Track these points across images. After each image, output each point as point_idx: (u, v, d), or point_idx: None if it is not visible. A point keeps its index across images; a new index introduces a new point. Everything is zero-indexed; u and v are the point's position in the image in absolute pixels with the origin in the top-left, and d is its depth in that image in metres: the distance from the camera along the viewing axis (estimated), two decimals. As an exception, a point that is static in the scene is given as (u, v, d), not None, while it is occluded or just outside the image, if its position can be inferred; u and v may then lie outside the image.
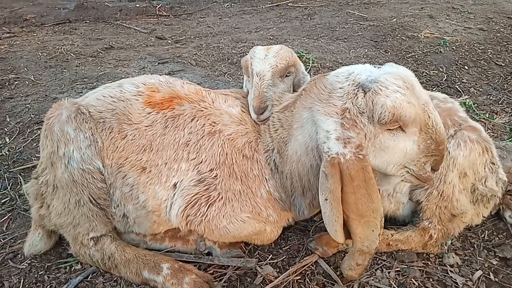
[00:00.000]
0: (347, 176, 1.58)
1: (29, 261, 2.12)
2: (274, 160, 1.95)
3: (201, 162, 1.91)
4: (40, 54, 4.89)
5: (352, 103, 1.63)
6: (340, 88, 1.67)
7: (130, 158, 1.93)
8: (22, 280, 2.01)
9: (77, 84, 4.04)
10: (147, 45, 5.44)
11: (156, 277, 1.92)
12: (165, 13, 7.39)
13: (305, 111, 1.78)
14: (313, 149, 1.75)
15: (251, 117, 2.03)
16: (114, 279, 2.01)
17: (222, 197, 1.89)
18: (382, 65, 1.75)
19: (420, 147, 1.69)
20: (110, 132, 1.94)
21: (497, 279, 1.97)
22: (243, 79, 2.37)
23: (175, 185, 1.91)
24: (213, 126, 1.96)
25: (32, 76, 4.24)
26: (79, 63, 4.63)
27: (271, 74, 1.99)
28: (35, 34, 5.93)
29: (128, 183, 1.93)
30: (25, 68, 4.45)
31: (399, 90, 1.57)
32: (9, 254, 2.17)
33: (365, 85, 1.62)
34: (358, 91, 1.63)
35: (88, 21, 6.84)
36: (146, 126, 1.95)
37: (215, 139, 1.93)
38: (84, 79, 4.15)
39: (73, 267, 2.09)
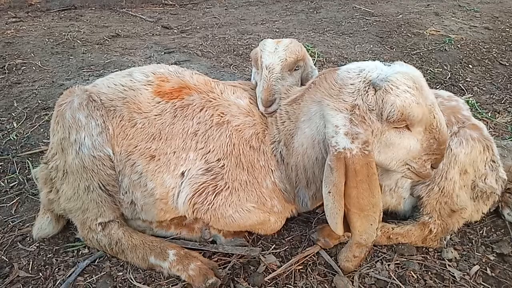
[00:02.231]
0: (351, 170, 1.62)
1: (38, 244, 2.17)
2: (280, 151, 1.99)
3: (209, 152, 1.95)
4: (47, 40, 4.90)
5: (362, 100, 1.66)
6: (351, 84, 1.70)
7: (140, 146, 1.96)
8: (31, 262, 2.06)
9: (84, 71, 4.06)
10: (153, 34, 5.45)
11: (162, 263, 1.97)
12: (170, 2, 7.37)
13: (314, 104, 1.81)
14: (320, 142, 1.78)
15: (258, 109, 2.06)
16: (121, 264, 2.06)
17: (228, 187, 1.93)
18: (387, 61, 1.78)
19: (423, 145, 1.73)
20: (120, 120, 1.98)
21: (493, 274, 2.02)
22: (248, 71, 2.39)
23: (183, 173, 1.95)
24: (221, 116, 1.99)
25: (39, 62, 4.26)
26: (86, 50, 4.64)
27: (280, 68, 2.02)
28: (41, 20, 5.92)
29: (137, 171, 1.97)
30: (32, 54, 4.47)
31: (409, 91, 1.61)
32: (18, 236, 2.22)
33: (376, 83, 1.65)
34: (369, 88, 1.66)
35: (93, 8, 6.82)
36: (156, 115, 1.98)
37: (223, 130, 1.97)
38: (91, 66, 4.17)
39: (80, 251, 2.14)
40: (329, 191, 1.67)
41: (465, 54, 4.72)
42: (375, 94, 1.65)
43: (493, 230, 2.32)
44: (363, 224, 1.70)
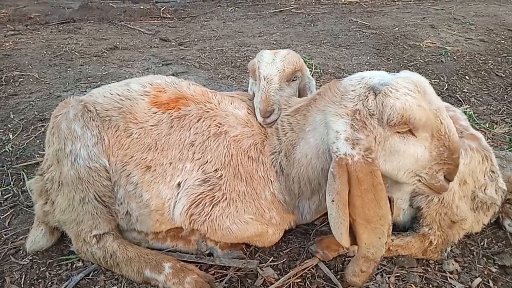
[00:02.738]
0: (354, 178, 1.58)
1: (31, 257, 2.12)
2: (280, 162, 1.96)
3: (206, 162, 1.93)
4: (45, 52, 4.92)
5: (363, 105, 1.65)
6: (352, 90, 1.70)
7: (135, 157, 1.94)
8: (23, 276, 2.01)
9: (81, 83, 4.06)
10: (151, 47, 5.48)
11: (157, 276, 1.93)
12: (169, 15, 7.44)
13: (319, 113, 1.79)
14: (325, 152, 1.75)
15: (257, 119, 2.05)
16: (116, 277, 2.01)
17: (226, 198, 1.91)
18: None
19: (432, 154, 1.67)
20: (116, 130, 1.96)
21: (496, 287, 1.99)
22: (246, 82, 2.40)
23: (179, 184, 1.93)
24: (219, 127, 1.98)
25: (37, 74, 4.27)
26: (84, 62, 4.66)
27: (278, 78, 2.02)
28: (39, 33, 5.96)
29: (133, 182, 1.94)
30: (30, 66, 4.48)
31: (410, 93, 1.58)
32: (10, 250, 2.17)
33: (376, 87, 1.64)
34: (369, 93, 1.65)
35: (92, 21, 6.88)
36: (152, 126, 1.97)
37: (220, 140, 1.95)
38: (88, 78, 4.18)
39: (74, 264, 2.09)
40: (333, 199, 1.62)
41: (461, 66, 4.75)
42: (375, 98, 1.63)
43: (494, 241, 2.29)
44: (370, 237, 1.63)
